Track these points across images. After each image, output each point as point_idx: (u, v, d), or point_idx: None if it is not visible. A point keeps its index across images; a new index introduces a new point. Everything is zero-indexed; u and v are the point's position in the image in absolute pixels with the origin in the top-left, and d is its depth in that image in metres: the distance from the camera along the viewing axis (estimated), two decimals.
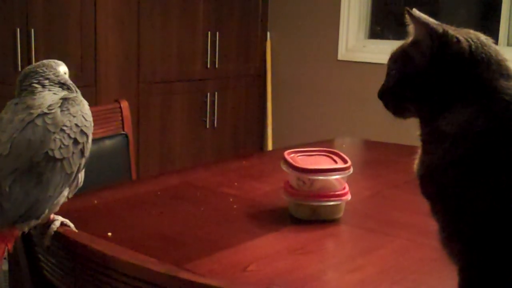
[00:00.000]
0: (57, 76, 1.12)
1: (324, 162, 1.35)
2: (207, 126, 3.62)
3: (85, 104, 1.10)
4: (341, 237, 1.29)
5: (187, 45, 3.44)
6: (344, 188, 1.30)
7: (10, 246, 1.03)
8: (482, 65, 0.80)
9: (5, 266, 1.36)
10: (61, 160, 1.02)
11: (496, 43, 0.84)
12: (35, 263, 1.21)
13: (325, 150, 1.42)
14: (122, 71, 3.13)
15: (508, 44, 3.18)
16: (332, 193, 1.28)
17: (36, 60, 2.75)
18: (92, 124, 1.10)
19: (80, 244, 1.03)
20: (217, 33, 3.57)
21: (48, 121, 1.02)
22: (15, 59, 2.73)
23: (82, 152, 1.06)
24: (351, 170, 1.30)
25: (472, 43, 0.81)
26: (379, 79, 0.91)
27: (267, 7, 3.92)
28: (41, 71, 1.12)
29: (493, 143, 0.76)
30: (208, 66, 3.56)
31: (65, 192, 1.06)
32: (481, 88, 0.79)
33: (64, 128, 1.03)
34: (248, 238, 1.18)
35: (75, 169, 1.05)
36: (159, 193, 1.49)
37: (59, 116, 1.04)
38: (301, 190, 1.29)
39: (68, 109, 1.05)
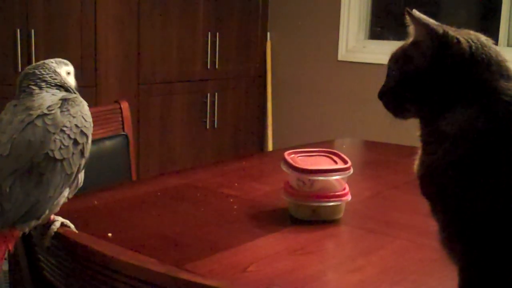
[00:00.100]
0: (55, 78, 1.12)
1: (324, 163, 1.35)
2: (207, 127, 3.62)
3: (84, 105, 1.10)
4: (341, 238, 1.29)
5: (187, 46, 3.44)
6: (344, 189, 1.30)
7: (10, 246, 1.03)
8: (482, 65, 0.80)
9: (6, 267, 1.36)
10: (61, 160, 1.02)
11: (496, 43, 0.84)
12: (35, 263, 1.21)
13: (325, 151, 1.42)
14: (122, 71, 3.13)
15: (508, 45, 3.18)
16: (332, 193, 1.28)
17: (36, 61, 2.75)
18: (92, 125, 1.10)
19: (80, 245, 1.03)
20: (217, 33, 3.57)
21: (48, 122, 1.02)
22: (15, 60, 2.73)
23: (82, 152, 1.06)
24: (351, 170, 1.30)
25: (473, 43, 0.81)
26: (379, 80, 0.91)
27: (267, 7, 3.92)
28: (38, 72, 1.11)
29: (493, 143, 0.76)
30: (208, 66, 3.56)
31: (65, 193, 1.07)
32: (481, 89, 0.79)
33: (64, 128, 1.03)
34: (248, 238, 1.18)
35: (75, 169, 1.05)
36: (159, 193, 1.49)
37: (59, 117, 1.04)
38: (301, 190, 1.29)
39: (68, 110, 1.06)
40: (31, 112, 1.03)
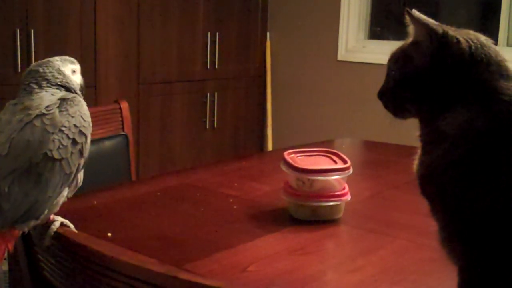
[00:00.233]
0: (57, 77, 1.12)
1: (323, 163, 1.35)
2: (207, 127, 3.62)
3: (83, 105, 1.10)
4: (341, 238, 1.29)
5: (187, 46, 3.44)
6: (344, 189, 1.30)
7: (10, 246, 1.03)
8: (482, 65, 0.80)
9: (5, 267, 1.36)
10: (60, 160, 1.02)
11: (496, 43, 0.84)
12: (35, 263, 1.21)
13: (324, 151, 1.42)
14: (122, 71, 3.13)
15: (508, 45, 3.18)
16: (332, 193, 1.28)
17: (36, 61, 2.75)
18: (91, 124, 1.10)
19: (80, 245, 1.03)
20: (217, 33, 3.57)
21: (47, 122, 1.02)
22: (15, 60, 2.73)
23: (81, 152, 1.06)
24: (351, 170, 1.30)
25: (472, 43, 0.81)
26: (379, 80, 0.91)
27: (266, 7, 3.92)
28: (41, 70, 1.12)
29: (493, 143, 0.76)
30: (208, 66, 3.56)
31: (65, 192, 1.06)
32: (481, 89, 0.79)
33: (63, 128, 1.03)
34: (248, 238, 1.18)
35: (74, 169, 1.05)
36: (158, 193, 1.49)
37: (57, 117, 1.03)
38: (301, 190, 1.29)
39: (67, 110, 1.05)
40: (29, 112, 1.03)
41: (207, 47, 3.53)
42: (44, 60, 1.14)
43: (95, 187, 1.46)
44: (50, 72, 1.12)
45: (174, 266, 1.00)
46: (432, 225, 0.84)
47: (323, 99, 3.78)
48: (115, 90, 3.08)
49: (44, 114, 1.03)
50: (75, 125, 1.05)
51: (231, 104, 3.76)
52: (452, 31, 0.82)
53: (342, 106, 3.69)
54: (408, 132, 0.90)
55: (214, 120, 3.65)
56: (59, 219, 1.10)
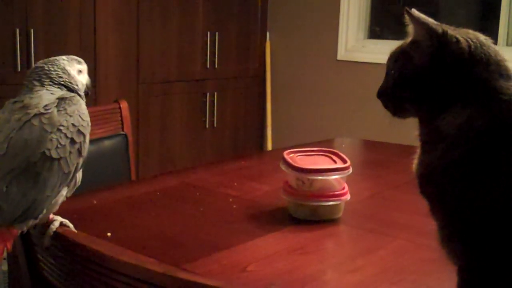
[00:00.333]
0: (61, 76, 1.12)
1: (323, 162, 1.35)
2: (207, 126, 3.62)
3: (82, 104, 1.10)
4: (340, 237, 1.29)
5: (187, 46, 3.44)
6: (343, 188, 1.30)
7: (9, 245, 1.03)
8: (481, 65, 0.80)
9: (5, 266, 1.36)
10: (58, 159, 1.02)
11: (496, 43, 0.84)
12: (35, 263, 1.21)
13: (324, 150, 1.42)
14: (121, 71, 3.13)
15: (507, 44, 3.18)
16: (331, 193, 1.28)
17: (36, 61, 2.75)
18: (90, 124, 1.10)
19: (79, 244, 1.03)
20: (217, 33, 3.57)
21: (45, 121, 1.02)
22: (15, 60, 2.73)
23: (79, 151, 1.06)
24: (351, 170, 1.30)
25: (472, 43, 0.81)
26: (379, 79, 0.91)
27: (266, 7, 3.92)
28: (46, 68, 1.12)
29: (492, 143, 0.76)
30: (208, 66, 3.56)
31: (64, 192, 1.06)
32: (480, 88, 0.79)
33: (61, 127, 1.03)
34: (248, 238, 1.18)
35: (72, 168, 1.05)
36: (158, 193, 1.49)
37: (55, 116, 1.03)
38: (301, 190, 1.29)
39: (65, 109, 1.05)
40: (28, 111, 1.03)
41: (206, 47, 3.53)
42: (51, 58, 1.15)
43: (94, 187, 1.46)
44: (55, 70, 1.12)
45: (174, 265, 1.00)
46: (431, 225, 0.84)
47: (322, 99, 3.78)
48: (115, 89, 3.08)
49: (42, 114, 1.03)
50: (73, 125, 1.05)
51: (230, 104, 3.76)
52: (451, 30, 0.82)
53: (342, 105, 3.69)
54: (408, 131, 0.90)
55: (213, 120, 3.65)
56: (59, 219, 1.10)
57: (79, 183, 1.11)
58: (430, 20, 0.84)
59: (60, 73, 1.13)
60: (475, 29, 0.85)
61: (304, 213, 1.29)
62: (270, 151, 3.76)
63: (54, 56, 1.19)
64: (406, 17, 0.86)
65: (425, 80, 0.82)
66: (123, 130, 1.91)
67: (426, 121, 0.84)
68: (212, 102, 3.62)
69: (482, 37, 0.83)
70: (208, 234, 1.22)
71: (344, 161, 1.33)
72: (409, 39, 0.87)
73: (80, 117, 1.07)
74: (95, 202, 1.38)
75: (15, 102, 1.07)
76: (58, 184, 1.03)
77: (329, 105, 3.75)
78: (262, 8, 3.88)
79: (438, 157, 0.80)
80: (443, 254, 0.83)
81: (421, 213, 0.87)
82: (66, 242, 1.07)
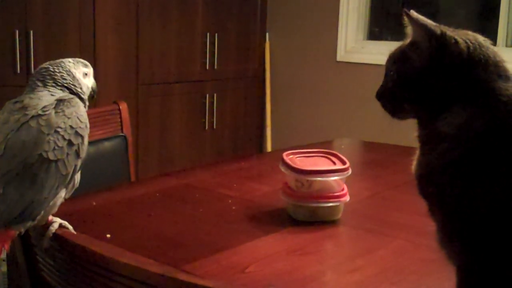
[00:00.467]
0: (65, 78, 1.12)
1: (322, 163, 1.35)
2: (206, 128, 3.62)
3: (80, 106, 1.10)
4: (340, 238, 1.29)
5: (186, 46, 3.44)
6: (342, 189, 1.30)
7: (6, 246, 1.03)
8: (480, 66, 0.80)
9: (4, 268, 1.36)
10: (56, 161, 1.02)
11: (495, 44, 0.84)
12: (34, 264, 1.21)
13: (323, 151, 1.42)
14: (121, 72, 3.13)
15: (507, 45, 3.18)
16: (330, 194, 1.28)
17: (35, 62, 2.76)
18: (88, 126, 1.10)
19: (79, 246, 1.03)
20: (216, 34, 3.57)
21: (42, 123, 1.02)
22: (14, 61, 2.73)
23: (77, 153, 1.06)
24: (350, 171, 1.30)
25: (470, 44, 0.81)
26: (378, 80, 0.91)
27: (266, 8, 3.92)
28: (51, 69, 1.12)
29: (491, 143, 0.76)
30: (207, 67, 3.56)
31: (62, 193, 1.06)
32: (479, 89, 0.79)
33: (58, 129, 1.03)
34: (247, 239, 1.18)
35: (70, 170, 1.05)
36: (157, 194, 1.49)
37: (53, 118, 1.03)
38: (300, 191, 1.29)
39: (63, 111, 1.05)
40: (26, 112, 1.03)
41: (206, 47, 3.53)
42: (57, 60, 1.15)
43: (94, 188, 1.46)
44: (60, 72, 1.12)
45: (173, 267, 1.00)
46: (430, 225, 0.84)
47: (322, 100, 3.78)
48: (114, 91, 3.08)
49: (40, 115, 1.03)
50: (71, 126, 1.05)
51: (230, 104, 3.76)
52: (450, 31, 0.82)
53: (341, 106, 3.70)
54: (407, 132, 0.91)
55: (213, 121, 3.65)
56: (58, 220, 1.10)
57: (77, 184, 1.10)
58: (428, 22, 0.84)
59: (65, 75, 1.13)
60: (474, 30, 0.85)
61: (303, 214, 1.29)
62: (269, 152, 3.76)
63: (54, 57, 1.19)
64: (405, 18, 0.86)
65: (424, 81, 0.82)
66: (122, 132, 1.91)
67: (425, 122, 0.84)
68: (211, 103, 3.62)
69: (481, 38, 0.83)
70: (208, 235, 1.22)
71: (343, 162, 1.33)
72: (408, 40, 0.87)
73: (78, 119, 1.07)
74: (94, 203, 1.38)
75: (16, 102, 1.07)
76: (56, 185, 1.03)
77: (328, 106, 3.75)
78: (261, 9, 3.88)
79: (437, 158, 0.80)
80: (443, 254, 0.83)
81: (420, 213, 0.87)
82: (65, 243, 1.07)
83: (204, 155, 3.62)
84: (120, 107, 1.90)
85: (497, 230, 0.75)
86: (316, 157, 1.39)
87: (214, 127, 3.66)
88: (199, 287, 0.83)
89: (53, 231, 1.08)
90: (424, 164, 0.83)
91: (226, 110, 3.73)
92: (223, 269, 1.04)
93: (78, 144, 1.06)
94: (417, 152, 0.86)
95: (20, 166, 0.99)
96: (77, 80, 1.14)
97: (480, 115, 0.78)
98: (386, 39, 3.66)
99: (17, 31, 2.73)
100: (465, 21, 3.44)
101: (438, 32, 0.82)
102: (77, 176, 1.10)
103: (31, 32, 2.76)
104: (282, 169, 1.32)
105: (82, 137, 1.07)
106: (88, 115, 1.14)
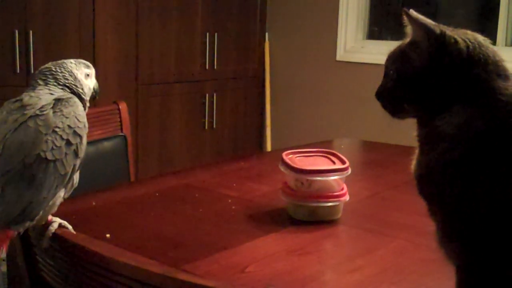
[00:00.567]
0: (67, 78, 1.13)
1: (322, 163, 1.35)
2: (206, 127, 3.62)
3: (78, 105, 1.10)
4: (339, 238, 1.29)
5: (186, 46, 3.44)
6: (342, 189, 1.30)
7: (5, 246, 1.02)
8: (480, 65, 0.80)
9: (4, 268, 1.36)
10: (54, 161, 1.02)
11: (494, 43, 0.84)
12: (33, 264, 1.20)
13: (323, 151, 1.42)
14: (120, 72, 3.13)
15: (506, 45, 3.18)
16: (330, 194, 1.28)
17: (35, 62, 2.76)
18: (87, 125, 1.10)
19: (79, 246, 1.03)
20: (216, 34, 3.57)
21: (40, 123, 1.02)
22: (14, 61, 2.73)
23: (75, 153, 1.06)
24: (349, 170, 1.30)
25: (470, 43, 0.81)
26: (378, 80, 0.91)
27: (265, 8, 3.92)
28: (54, 69, 1.13)
29: (490, 143, 0.76)
30: (207, 67, 3.56)
31: (61, 193, 1.06)
32: (479, 89, 0.79)
33: (56, 129, 1.03)
34: (247, 239, 1.18)
35: (69, 170, 1.05)
36: (157, 194, 1.49)
37: (51, 118, 1.03)
38: (300, 191, 1.29)
39: (61, 110, 1.05)
40: (25, 112, 1.03)
41: (206, 47, 3.53)
42: (59, 61, 1.15)
43: (93, 188, 1.46)
44: (62, 72, 1.13)
45: (173, 267, 1.00)
46: (430, 225, 0.84)
47: (322, 100, 3.78)
48: (114, 91, 3.08)
49: (37, 115, 1.03)
50: (69, 126, 1.05)
51: (230, 104, 3.76)
52: (450, 31, 0.82)
53: (341, 106, 3.70)
54: (407, 132, 0.91)
55: (213, 121, 3.65)
56: (58, 220, 1.10)
57: (76, 184, 1.10)
58: (428, 21, 0.84)
59: (67, 75, 1.13)
60: (474, 30, 0.85)
61: (303, 214, 1.29)
62: (269, 151, 3.76)
63: (53, 57, 1.19)
64: (405, 18, 0.86)
65: (424, 81, 0.82)
66: (122, 131, 1.91)
67: (425, 121, 0.84)
68: (211, 103, 3.62)
69: (480, 37, 0.83)
70: (207, 235, 1.22)
71: (343, 162, 1.33)
72: (407, 39, 0.87)
73: (77, 118, 1.07)
74: (94, 203, 1.38)
75: (15, 101, 1.07)
76: (55, 185, 1.03)
77: (328, 105, 3.75)
78: (261, 9, 3.88)
79: (437, 158, 0.80)
80: (442, 254, 0.83)
81: (420, 213, 0.87)
82: (65, 243, 1.06)
83: (204, 155, 3.62)
84: (120, 107, 1.90)
85: (496, 230, 0.75)
86: (315, 157, 1.39)
87: (214, 127, 3.66)
88: (199, 287, 0.83)
89: (53, 231, 1.08)
90: (424, 164, 0.83)
91: (226, 110, 3.73)
92: (223, 269, 1.04)
93: (76, 143, 1.06)
94: (416, 151, 0.86)
95: (18, 166, 0.99)
96: (79, 81, 1.15)
97: (479, 115, 0.78)
98: (386, 39, 3.66)
99: (16, 31, 2.73)
100: (464, 21, 3.44)
101: (438, 31, 0.82)
102: (76, 176, 1.09)
103: (31, 32, 2.76)
104: (282, 168, 1.32)
105: (80, 136, 1.07)
106: (88, 115, 1.14)
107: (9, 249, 1.04)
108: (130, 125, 1.96)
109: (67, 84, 1.12)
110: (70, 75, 1.13)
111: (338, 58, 3.70)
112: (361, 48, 3.65)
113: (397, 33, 3.35)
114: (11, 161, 0.99)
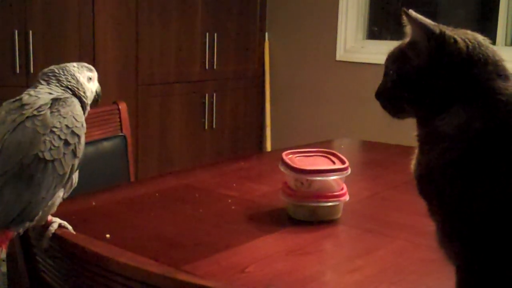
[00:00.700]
0: (69, 80, 1.13)
1: (322, 163, 1.35)
2: (206, 128, 3.62)
3: (76, 105, 1.10)
4: (339, 238, 1.29)
5: (186, 47, 3.44)
6: (342, 189, 1.30)
7: (4, 247, 1.02)
8: (479, 65, 0.80)
9: (4, 268, 1.36)
10: (52, 161, 1.02)
11: (494, 43, 0.84)
12: (33, 265, 1.20)
13: (323, 151, 1.42)
14: (120, 72, 3.13)
15: (506, 44, 3.18)
16: (330, 194, 1.28)
17: (35, 62, 2.76)
18: (84, 125, 1.09)
19: (78, 246, 1.03)
20: (215, 34, 3.57)
21: (38, 123, 1.02)
22: (13, 61, 2.73)
23: (74, 153, 1.06)
24: (349, 170, 1.30)
25: (469, 43, 0.81)
26: (378, 80, 0.91)
27: (265, 8, 3.92)
28: (56, 71, 1.13)
29: (490, 143, 0.76)
30: (207, 67, 3.56)
31: (60, 193, 1.06)
32: (479, 89, 0.79)
33: (54, 129, 1.03)
34: (247, 239, 1.18)
35: (67, 170, 1.05)
36: (157, 194, 1.49)
37: (48, 118, 1.03)
38: (299, 191, 1.29)
39: (59, 110, 1.05)
40: (23, 112, 1.03)
41: (205, 47, 3.53)
42: (61, 64, 1.15)
43: (93, 188, 1.46)
44: (64, 75, 1.13)
45: (173, 267, 1.00)
46: (430, 225, 0.84)
47: (321, 100, 3.78)
48: (114, 91, 3.08)
49: (35, 116, 1.03)
50: (67, 126, 1.05)
51: (229, 104, 3.76)
52: (449, 31, 0.82)
53: (341, 106, 3.70)
54: (407, 132, 0.90)
55: (213, 121, 3.65)
56: (57, 220, 1.10)
57: (75, 184, 1.10)
58: (427, 21, 0.84)
59: (69, 77, 1.13)
60: (474, 30, 0.85)
61: (303, 214, 1.29)
62: (269, 152, 3.76)
63: (53, 57, 1.19)
64: (404, 18, 0.86)
65: (423, 81, 0.82)
66: (122, 132, 1.91)
67: (425, 121, 0.84)
68: (211, 103, 3.62)
69: (480, 37, 0.83)
70: (207, 235, 1.22)
71: (343, 162, 1.33)
72: (407, 39, 0.87)
73: (74, 118, 1.07)
74: (94, 203, 1.38)
75: (15, 101, 1.07)
76: (53, 185, 1.03)
77: (328, 105, 3.75)
78: (260, 9, 3.88)
79: (437, 158, 0.80)
80: (442, 254, 0.83)
81: (420, 213, 0.87)
82: (64, 243, 1.06)
83: (204, 155, 3.62)
84: (120, 107, 1.90)
85: (496, 230, 0.75)
86: (315, 157, 1.39)
87: (214, 127, 3.66)
88: (199, 287, 0.83)
89: (53, 231, 1.08)
90: (424, 164, 0.83)
91: (226, 110, 3.73)
92: (223, 269, 1.04)
93: (74, 143, 1.05)
94: (416, 151, 0.86)
95: (16, 167, 0.99)
96: (81, 84, 1.15)
97: (479, 115, 0.77)
98: (386, 39, 3.66)
99: (16, 31, 2.73)
100: (464, 21, 3.44)
101: (437, 31, 0.82)
102: (75, 176, 1.09)
103: (31, 32, 2.75)
104: (282, 168, 1.32)
105: (78, 136, 1.07)
106: (88, 115, 1.14)
107: (9, 249, 1.04)
108: (130, 125, 1.96)
109: (69, 86, 1.12)
110: (73, 78, 1.14)
111: (338, 58, 3.70)
112: (361, 48, 3.65)
113: (397, 33, 3.35)
114: (9, 161, 0.99)
